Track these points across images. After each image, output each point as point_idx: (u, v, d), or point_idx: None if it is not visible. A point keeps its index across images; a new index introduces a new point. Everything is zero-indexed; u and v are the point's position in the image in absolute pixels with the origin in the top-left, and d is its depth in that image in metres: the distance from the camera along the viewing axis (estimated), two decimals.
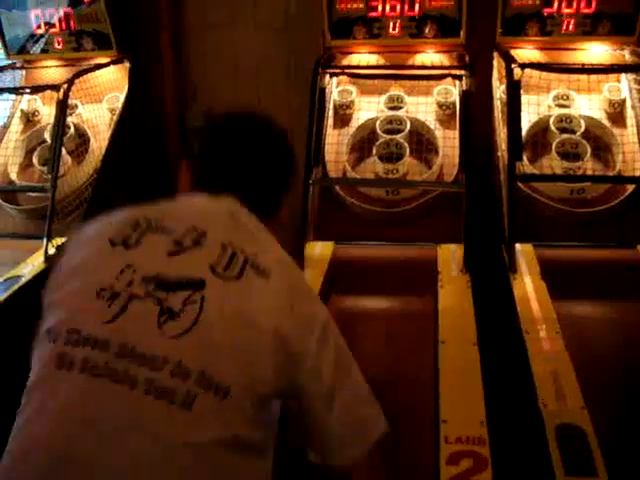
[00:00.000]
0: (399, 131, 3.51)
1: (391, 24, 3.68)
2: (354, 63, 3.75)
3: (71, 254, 1.36)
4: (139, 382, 1.15)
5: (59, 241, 3.18)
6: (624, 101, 3.44)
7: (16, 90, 3.97)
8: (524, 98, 3.14)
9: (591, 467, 1.81)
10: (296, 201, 3.18)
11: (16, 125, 3.95)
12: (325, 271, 2.94)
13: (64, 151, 3.57)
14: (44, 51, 4.10)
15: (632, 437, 2.00)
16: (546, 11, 3.52)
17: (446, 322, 2.54)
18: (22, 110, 3.98)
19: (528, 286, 2.75)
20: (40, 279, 2.85)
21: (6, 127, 3.95)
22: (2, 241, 3.53)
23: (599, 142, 3.35)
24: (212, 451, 1.17)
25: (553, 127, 3.36)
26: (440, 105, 3.58)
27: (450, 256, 3.04)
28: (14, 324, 1.51)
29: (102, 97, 3.97)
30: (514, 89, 3.05)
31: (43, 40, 4.05)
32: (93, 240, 1.36)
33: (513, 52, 3.36)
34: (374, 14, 3.68)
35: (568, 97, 3.46)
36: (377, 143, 3.46)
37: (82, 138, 3.82)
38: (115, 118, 3.91)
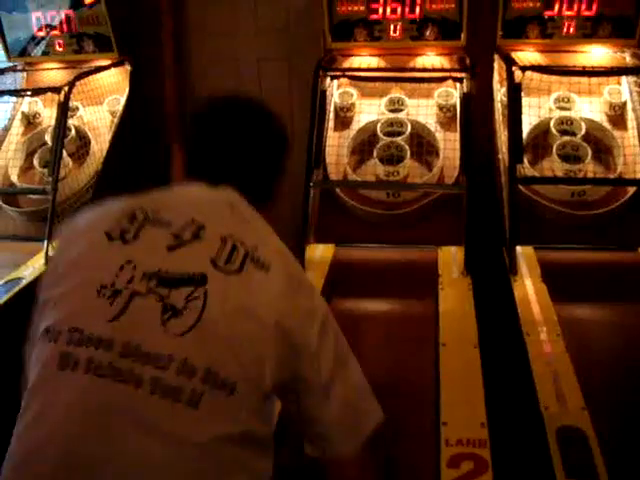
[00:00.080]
0: (400, 133, 3.51)
1: (392, 26, 3.68)
2: (355, 65, 3.75)
3: (66, 248, 1.35)
4: (144, 381, 1.14)
5: None
6: (625, 104, 3.44)
7: (17, 92, 3.97)
8: (525, 101, 3.14)
9: (592, 469, 1.81)
10: (297, 203, 3.18)
11: (17, 127, 3.95)
12: (326, 273, 2.94)
13: (65, 153, 3.58)
14: (45, 53, 4.10)
15: (633, 439, 2.00)
16: (547, 14, 3.52)
17: (447, 324, 2.54)
18: (23, 112, 3.98)
19: (529, 288, 2.75)
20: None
21: (7, 129, 3.95)
22: (3, 243, 3.53)
23: (600, 145, 3.35)
24: (219, 448, 1.17)
25: (554, 129, 3.36)
26: (441, 107, 3.58)
27: (451, 258, 3.04)
28: (15, 326, 1.51)
29: (103, 99, 3.97)
30: (515, 92, 3.05)
31: (44, 42, 4.05)
32: (88, 233, 1.33)
33: (514, 55, 3.36)
34: (375, 16, 3.67)
35: (569, 100, 3.46)
36: (378, 145, 3.45)
37: (83, 140, 3.82)
38: (116, 120, 3.91)
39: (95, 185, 3.68)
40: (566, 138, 3.33)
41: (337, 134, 3.61)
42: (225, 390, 1.17)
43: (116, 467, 1.12)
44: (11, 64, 4.14)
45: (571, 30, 3.53)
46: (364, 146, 3.54)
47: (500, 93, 3.45)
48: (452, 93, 3.56)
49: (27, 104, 4.00)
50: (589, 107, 3.46)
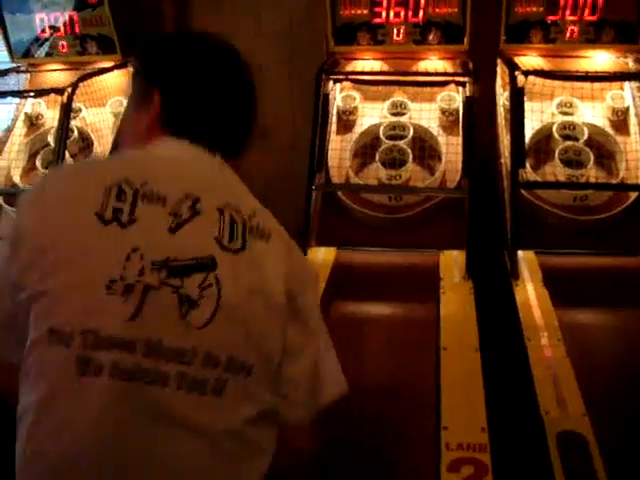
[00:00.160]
0: (402, 137, 3.51)
1: (395, 30, 3.68)
2: (358, 69, 3.75)
3: (39, 225, 1.20)
4: (170, 378, 1.11)
5: None
6: (627, 109, 3.44)
7: (20, 93, 3.97)
8: (527, 105, 3.15)
9: (592, 474, 1.81)
10: (299, 206, 3.18)
11: (20, 128, 3.95)
12: (327, 277, 2.93)
13: (67, 155, 3.57)
14: (48, 55, 4.10)
15: (633, 444, 2.00)
16: (550, 18, 3.52)
17: (448, 328, 2.54)
18: (26, 113, 3.98)
19: (530, 293, 2.75)
20: None
21: (10, 130, 3.95)
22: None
23: (602, 150, 3.35)
24: (243, 431, 1.17)
25: (556, 134, 3.36)
26: (443, 111, 3.58)
27: (452, 262, 3.04)
28: None
29: (106, 101, 3.97)
30: (517, 96, 3.06)
31: (48, 44, 4.05)
32: (70, 210, 1.19)
33: (517, 59, 3.36)
34: (378, 20, 3.67)
35: (571, 104, 3.47)
36: (380, 149, 3.46)
37: (85, 142, 3.82)
38: (118, 122, 3.91)
39: None
40: (568, 143, 3.33)
41: (339, 137, 3.61)
42: (243, 373, 1.17)
43: (152, 469, 1.11)
44: (14, 65, 4.15)
45: (574, 35, 3.53)
46: (366, 149, 3.54)
47: (503, 97, 3.45)
48: (455, 97, 3.56)
49: (30, 105, 4.00)
50: (592, 112, 3.46)
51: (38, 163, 3.72)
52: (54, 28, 4.00)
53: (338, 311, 2.76)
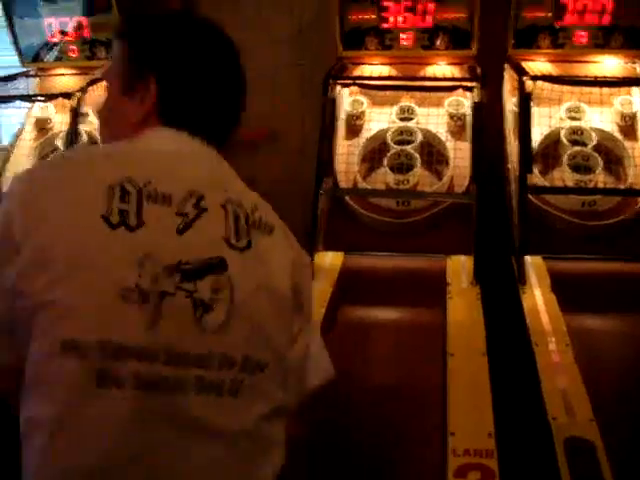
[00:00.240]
0: (410, 142, 3.51)
1: (403, 35, 3.69)
2: (366, 74, 3.76)
3: (35, 226, 1.11)
4: (189, 384, 1.10)
5: None
6: (636, 114, 3.43)
7: (29, 97, 3.99)
8: (535, 110, 3.15)
9: None
10: (306, 210, 3.18)
11: (29, 132, 3.97)
12: (335, 281, 2.94)
13: None
14: (58, 59, 4.12)
15: None
16: (558, 24, 3.52)
17: (455, 334, 2.53)
18: (35, 117, 4.00)
19: (538, 298, 2.75)
20: None
21: (19, 134, 3.97)
22: None
23: (610, 155, 3.35)
24: (258, 429, 1.17)
25: (564, 139, 3.36)
26: (451, 116, 3.58)
27: (460, 267, 3.03)
28: None
29: None
30: (525, 101, 3.06)
31: (57, 48, 4.08)
32: (72, 211, 1.12)
33: (525, 64, 3.36)
34: (386, 25, 3.68)
35: (580, 110, 3.46)
36: (388, 154, 3.46)
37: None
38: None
39: None
40: (577, 148, 3.32)
41: (347, 142, 3.61)
42: (258, 371, 1.16)
43: (177, 477, 1.11)
44: (24, 69, 4.17)
45: (582, 40, 3.53)
46: (374, 154, 3.54)
47: (511, 102, 3.45)
48: (463, 102, 3.56)
49: (39, 109, 4.02)
50: (600, 117, 3.45)
51: None
52: (64, 33, 4.02)
53: (345, 316, 2.76)
